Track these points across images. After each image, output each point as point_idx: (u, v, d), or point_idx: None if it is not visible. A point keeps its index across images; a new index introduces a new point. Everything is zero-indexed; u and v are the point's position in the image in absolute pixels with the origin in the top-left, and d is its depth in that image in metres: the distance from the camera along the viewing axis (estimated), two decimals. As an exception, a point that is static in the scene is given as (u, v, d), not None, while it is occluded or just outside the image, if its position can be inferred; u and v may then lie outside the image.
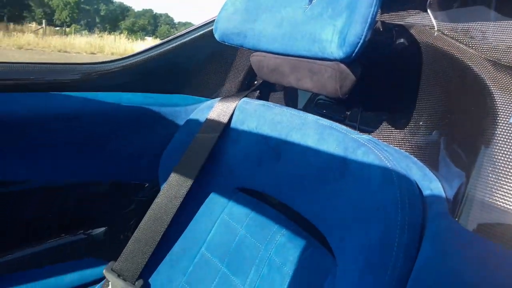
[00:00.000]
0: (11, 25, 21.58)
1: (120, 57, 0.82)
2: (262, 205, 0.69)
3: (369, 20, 0.52)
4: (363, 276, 0.46)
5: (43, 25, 26.68)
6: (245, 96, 0.78)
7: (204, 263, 0.69)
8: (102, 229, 0.88)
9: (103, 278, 0.71)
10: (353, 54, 0.53)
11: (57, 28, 31.44)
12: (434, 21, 0.67)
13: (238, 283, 0.63)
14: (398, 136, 0.69)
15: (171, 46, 0.83)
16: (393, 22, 0.71)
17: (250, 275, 0.62)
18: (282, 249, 0.61)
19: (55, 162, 0.74)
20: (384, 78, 0.73)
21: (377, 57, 0.68)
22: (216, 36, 0.72)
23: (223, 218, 0.71)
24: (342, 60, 0.55)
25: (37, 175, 0.74)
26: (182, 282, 0.69)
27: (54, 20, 36.95)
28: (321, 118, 0.65)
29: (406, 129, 0.68)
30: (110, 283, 0.68)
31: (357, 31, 0.52)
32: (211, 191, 0.74)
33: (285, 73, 0.71)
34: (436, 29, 0.66)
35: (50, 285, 0.73)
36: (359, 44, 0.52)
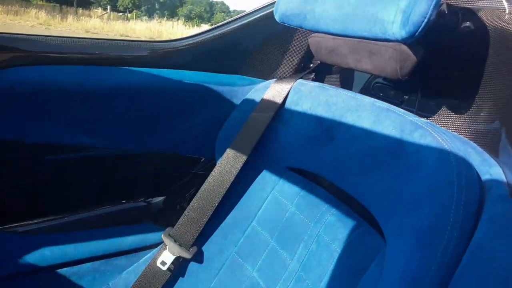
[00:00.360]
0: (80, 10, 22.97)
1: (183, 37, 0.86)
2: (312, 185, 0.71)
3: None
4: (413, 257, 0.46)
5: (108, 10, 28.08)
6: (301, 78, 0.79)
7: (254, 236, 0.72)
8: (161, 198, 0.94)
9: (161, 242, 0.77)
10: (416, 34, 0.52)
11: (120, 13, 33.01)
12: (506, 3, 0.63)
13: (287, 256, 0.65)
14: (457, 121, 0.66)
15: (231, 27, 0.86)
16: (459, 5, 0.69)
17: (298, 250, 0.64)
18: (331, 227, 0.62)
19: (121, 133, 0.80)
20: (446, 63, 0.70)
21: (440, 40, 0.66)
22: (276, 17, 0.73)
23: (274, 195, 0.73)
24: (404, 41, 0.54)
25: (105, 144, 0.81)
26: (232, 252, 0.73)
27: (118, 6, 38.80)
28: (377, 100, 0.65)
29: (466, 115, 0.65)
30: (167, 247, 0.73)
31: (422, 10, 0.51)
32: (263, 169, 0.76)
33: (343, 54, 0.71)
34: (507, 11, 0.63)
35: (113, 245, 0.80)
36: (423, 23, 0.51)
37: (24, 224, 0.84)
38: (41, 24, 13.93)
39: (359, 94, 0.68)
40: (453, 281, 0.40)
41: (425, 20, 0.51)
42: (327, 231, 0.62)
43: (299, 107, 0.73)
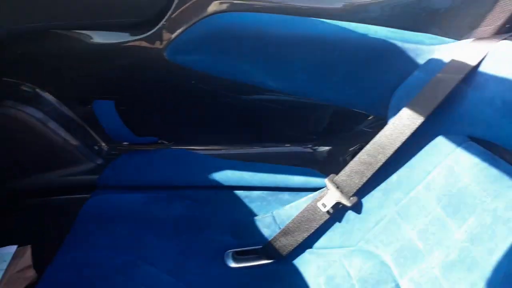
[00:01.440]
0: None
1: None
2: (496, 158, 0.64)
3: None
4: None
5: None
6: (505, 39, 0.70)
7: (418, 199, 0.71)
8: (326, 148, 0.99)
9: (322, 187, 0.83)
10: None
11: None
12: None
13: (453, 225, 0.63)
14: None
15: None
16: None
17: (468, 221, 0.61)
18: (515, 206, 0.57)
19: (302, 81, 0.86)
20: None
21: None
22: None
23: (448, 163, 0.69)
24: None
25: (286, 89, 0.88)
26: (392, 211, 0.74)
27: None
28: None
29: None
30: (329, 191, 0.79)
31: None
32: (439, 134, 0.73)
33: None
34: None
35: (281, 180, 0.91)
36: None
37: (214, 148, 1.02)
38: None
39: None
40: None
41: None
42: (509, 208, 0.57)
43: (498, 72, 0.66)
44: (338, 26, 0.78)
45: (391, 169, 0.77)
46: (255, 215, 0.88)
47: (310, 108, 0.96)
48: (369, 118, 0.96)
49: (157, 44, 0.85)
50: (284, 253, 0.80)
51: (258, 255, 0.83)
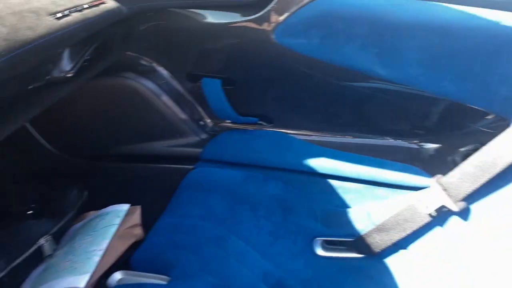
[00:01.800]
0: None
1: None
2: None
3: None
4: None
5: None
6: None
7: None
8: (435, 145, 0.92)
9: (423, 187, 0.77)
10: None
11: None
12: None
13: None
14: None
15: None
16: None
17: None
18: None
19: (414, 70, 0.79)
20: None
21: None
22: None
23: None
24: None
25: (395, 79, 0.83)
26: (505, 223, 0.66)
27: None
28: None
29: None
30: (433, 193, 0.73)
31: None
32: None
33: None
34: None
35: (379, 175, 0.86)
36: None
37: (309, 133, 1.01)
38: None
39: None
40: None
41: None
42: None
43: None
44: (465, 13, 0.70)
45: (510, 177, 0.68)
46: (348, 206, 0.86)
47: (420, 100, 0.89)
48: (488, 117, 0.86)
49: (265, 26, 0.85)
50: (377, 250, 0.77)
51: (347, 247, 0.81)
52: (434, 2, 0.73)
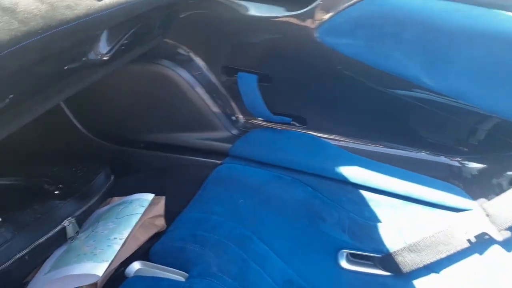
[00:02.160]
0: None
1: None
2: None
3: None
4: None
5: None
6: None
7: None
8: (479, 165, 0.86)
9: (464, 210, 0.72)
10: None
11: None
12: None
13: None
14: None
15: None
16: None
17: None
18: None
19: (463, 83, 0.74)
20: None
21: None
22: None
23: None
24: None
25: (440, 90, 0.78)
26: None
27: None
28: None
29: None
30: (474, 217, 0.68)
31: None
32: None
33: None
34: None
35: (414, 190, 0.81)
36: None
37: (342, 139, 0.97)
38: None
39: None
40: None
41: None
42: None
43: None
44: None
45: None
46: (379, 221, 0.82)
47: (466, 115, 0.83)
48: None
49: (309, 23, 0.82)
50: (405, 270, 0.72)
51: (374, 263, 0.77)
52: (501, 11, 0.67)
